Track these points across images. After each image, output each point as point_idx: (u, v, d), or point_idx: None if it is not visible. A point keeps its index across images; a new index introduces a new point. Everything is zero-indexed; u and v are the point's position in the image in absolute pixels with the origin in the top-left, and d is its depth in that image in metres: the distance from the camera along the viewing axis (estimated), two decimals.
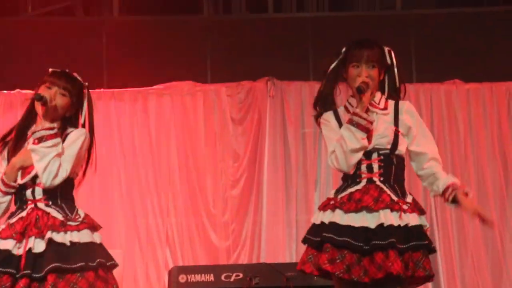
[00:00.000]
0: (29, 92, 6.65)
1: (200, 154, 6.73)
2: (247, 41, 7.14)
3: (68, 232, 3.32)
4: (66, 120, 3.52)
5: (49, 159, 3.33)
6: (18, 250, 3.30)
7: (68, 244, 3.30)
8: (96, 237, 3.41)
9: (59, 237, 3.31)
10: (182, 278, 5.23)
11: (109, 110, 6.72)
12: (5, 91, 6.76)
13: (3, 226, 3.39)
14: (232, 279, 5.24)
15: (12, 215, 3.42)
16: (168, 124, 6.76)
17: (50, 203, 3.38)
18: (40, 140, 3.37)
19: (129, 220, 6.59)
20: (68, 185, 3.46)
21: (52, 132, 3.39)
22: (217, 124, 6.79)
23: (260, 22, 7.27)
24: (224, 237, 6.62)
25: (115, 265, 3.43)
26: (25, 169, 3.40)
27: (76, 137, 3.47)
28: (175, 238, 6.63)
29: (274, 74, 6.88)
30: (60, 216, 3.36)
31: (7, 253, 3.30)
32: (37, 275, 3.25)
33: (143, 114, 6.76)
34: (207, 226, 6.64)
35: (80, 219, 3.38)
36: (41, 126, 3.40)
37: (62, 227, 3.33)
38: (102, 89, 6.82)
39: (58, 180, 3.35)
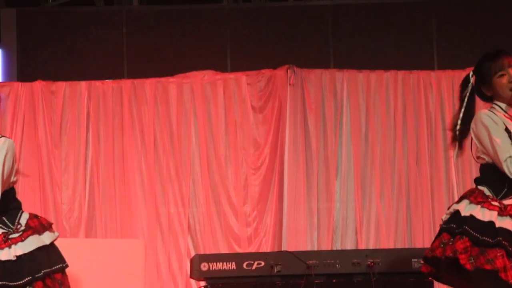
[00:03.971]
0: (50, 83, 6.70)
1: (221, 142, 6.74)
2: (266, 30, 7.12)
3: (12, 246, 3.29)
4: None
5: None
6: None
7: (14, 259, 3.28)
8: (46, 238, 3.38)
9: (3, 255, 3.28)
10: (204, 266, 5.23)
11: (129, 100, 6.74)
12: (26, 82, 6.78)
13: None
14: (253, 267, 5.23)
15: None
16: (188, 113, 6.77)
17: None
18: None
19: (150, 210, 6.62)
20: (7, 196, 3.40)
21: None
22: (238, 112, 6.79)
23: (279, 10, 7.25)
24: (245, 225, 6.63)
25: (63, 268, 3.39)
26: None
27: None
28: (196, 226, 6.65)
29: (294, 62, 6.86)
30: (0, 231, 3.32)
31: None
32: None
33: (164, 103, 6.77)
34: (228, 214, 6.65)
35: (22, 228, 3.33)
36: None
37: (5, 242, 3.30)
38: (122, 79, 6.85)
39: None
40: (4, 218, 3.38)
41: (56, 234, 3.45)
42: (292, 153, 6.69)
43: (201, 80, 6.82)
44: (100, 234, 6.49)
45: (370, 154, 6.71)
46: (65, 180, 6.57)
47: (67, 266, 3.41)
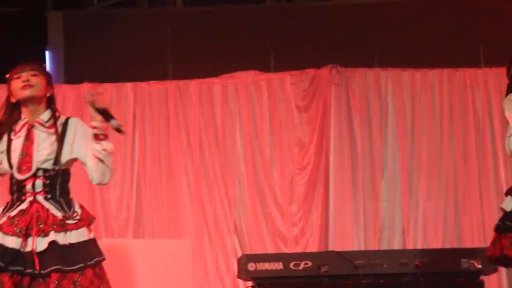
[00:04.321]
0: (97, 84, 6.75)
1: (266, 142, 6.74)
2: (310, 29, 7.11)
3: (68, 232, 3.39)
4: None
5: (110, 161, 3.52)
6: (24, 249, 3.36)
7: (69, 244, 3.38)
8: (91, 232, 3.49)
9: (60, 238, 3.37)
10: (251, 266, 5.24)
11: (175, 101, 6.77)
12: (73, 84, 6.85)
13: (4, 219, 3.42)
14: (300, 267, 5.23)
15: (11, 206, 3.45)
16: (233, 113, 6.78)
17: (49, 196, 3.44)
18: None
19: (197, 210, 6.64)
20: (66, 177, 3.51)
21: None
22: (282, 112, 6.78)
23: (322, 10, 7.23)
24: (291, 225, 6.62)
25: (104, 259, 3.50)
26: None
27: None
28: (243, 227, 6.65)
29: (338, 62, 6.83)
30: (59, 214, 3.41)
31: (14, 251, 3.36)
32: (40, 272, 3.33)
33: (209, 104, 6.79)
34: (274, 214, 6.64)
35: (78, 217, 3.44)
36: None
37: (62, 226, 3.39)
38: (167, 80, 6.88)
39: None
40: (61, 200, 3.46)
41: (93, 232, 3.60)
42: (337, 153, 6.67)
43: (245, 81, 6.83)
44: (147, 234, 6.53)
45: (416, 153, 6.66)
46: (112, 181, 6.59)
47: (105, 258, 3.54)
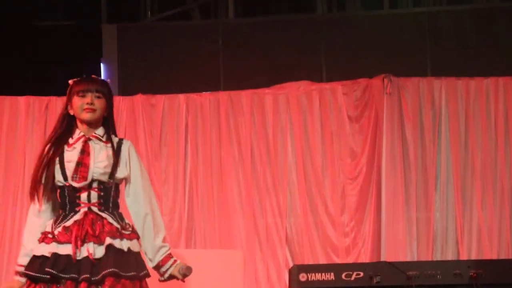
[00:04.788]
0: (150, 96, 6.84)
1: (317, 152, 6.73)
2: (362, 38, 7.09)
3: (124, 240, 3.46)
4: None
5: None
6: (78, 255, 3.40)
7: (126, 250, 3.45)
8: (141, 247, 3.57)
9: (117, 243, 3.43)
10: (302, 277, 5.24)
11: (226, 112, 6.81)
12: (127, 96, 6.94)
13: (59, 229, 3.45)
14: (352, 278, 5.21)
15: (64, 217, 3.49)
16: (284, 124, 6.79)
17: (103, 208, 3.49)
18: None
19: (248, 220, 6.66)
20: (117, 192, 3.58)
21: None
22: (334, 122, 6.77)
23: (374, 19, 7.21)
24: (343, 236, 6.59)
25: (149, 276, 3.56)
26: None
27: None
28: (294, 237, 6.65)
29: (390, 71, 6.79)
30: (115, 223, 3.47)
31: (69, 258, 3.40)
32: (95, 278, 3.37)
33: (260, 114, 6.81)
34: (326, 224, 6.63)
35: (130, 229, 3.51)
36: None
37: (119, 234, 3.45)
38: (219, 91, 6.93)
39: None
40: (115, 213, 3.54)
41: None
42: (389, 163, 6.62)
43: (296, 91, 6.83)
44: (199, 244, 6.57)
45: (470, 163, 6.58)
46: (165, 191, 6.69)
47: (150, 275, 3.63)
